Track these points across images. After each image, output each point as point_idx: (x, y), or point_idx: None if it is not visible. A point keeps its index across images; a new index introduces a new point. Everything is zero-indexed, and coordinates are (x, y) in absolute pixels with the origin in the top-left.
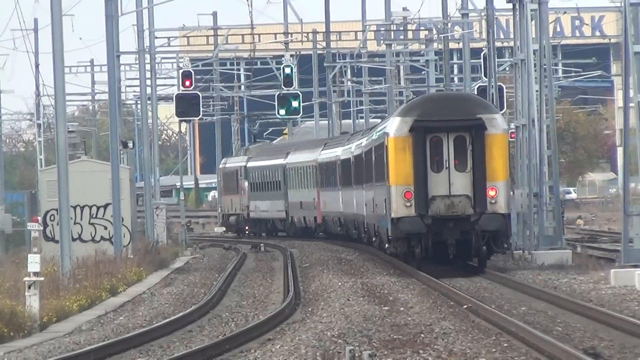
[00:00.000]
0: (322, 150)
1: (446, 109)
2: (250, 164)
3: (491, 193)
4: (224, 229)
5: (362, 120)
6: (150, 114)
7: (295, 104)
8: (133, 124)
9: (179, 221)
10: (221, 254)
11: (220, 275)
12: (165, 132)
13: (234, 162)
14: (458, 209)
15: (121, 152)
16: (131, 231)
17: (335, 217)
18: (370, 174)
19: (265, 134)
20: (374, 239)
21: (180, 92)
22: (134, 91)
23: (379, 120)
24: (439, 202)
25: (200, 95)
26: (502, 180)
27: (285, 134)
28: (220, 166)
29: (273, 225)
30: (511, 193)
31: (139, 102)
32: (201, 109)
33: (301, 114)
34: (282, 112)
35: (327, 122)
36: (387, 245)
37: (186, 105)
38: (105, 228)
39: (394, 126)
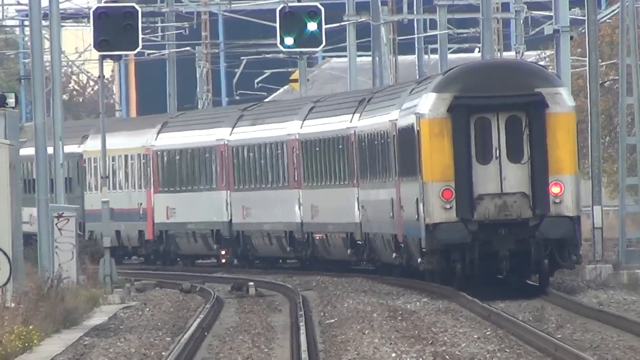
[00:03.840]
0: (160, 132)
1: (495, 81)
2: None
3: (555, 190)
4: None
5: (435, 56)
6: (47, 45)
7: (312, 26)
8: (17, 63)
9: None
10: (176, 300)
11: (175, 339)
12: (75, 77)
13: None
14: (512, 211)
15: None
16: (12, 259)
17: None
18: (385, 166)
19: (257, 80)
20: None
21: (103, 4)
22: (18, 2)
23: (467, 56)
24: (488, 203)
25: (140, 10)
26: (569, 174)
27: (294, 80)
28: None
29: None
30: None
31: (26, 23)
32: (140, 36)
33: (324, 45)
34: (289, 41)
35: (371, 59)
36: (419, 260)
37: (113, 30)
38: None
39: (427, 104)
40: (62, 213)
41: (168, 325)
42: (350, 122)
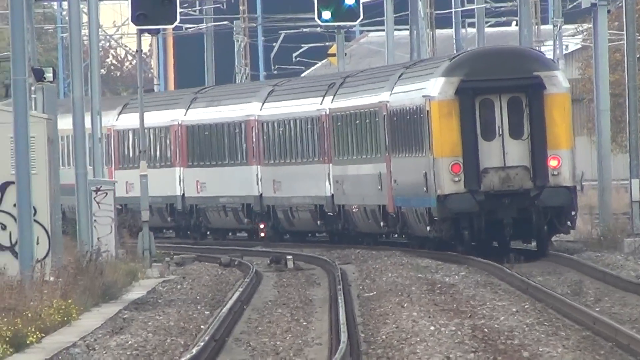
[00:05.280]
0: (121, 112)
1: (497, 66)
2: None
3: (553, 163)
4: None
5: (473, 30)
6: (85, 19)
7: (349, 0)
8: (55, 38)
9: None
10: (215, 274)
11: (213, 313)
12: (113, 51)
13: None
14: (515, 183)
15: (33, 88)
16: (50, 234)
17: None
18: (371, 143)
19: (295, 55)
20: (381, 224)
21: None
22: None
23: (504, 30)
24: (492, 176)
25: None
26: (565, 148)
27: (332, 54)
28: None
29: None
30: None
31: None
32: (178, 10)
33: (361, 19)
34: (327, 15)
35: (408, 33)
36: (428, 229)
37: (151, 4)
38: (4, 228)
39: (437, 88)
40: (101, 187)
41: (207, 299)
42: (321, 104)
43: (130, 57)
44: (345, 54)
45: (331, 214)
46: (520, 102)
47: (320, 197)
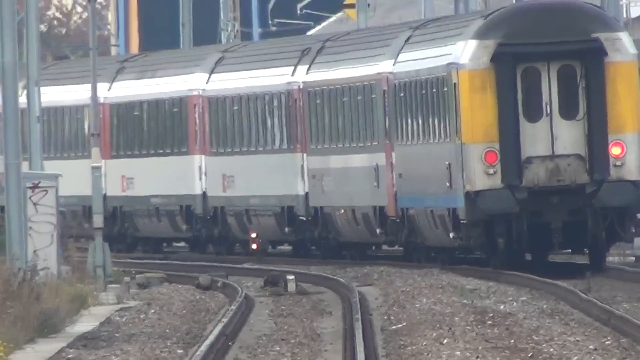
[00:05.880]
0: None
1: (545, 25)
2: None
3: (615, 151)
4: None
5: None
6: None
7: None
8: None
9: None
10: (191, 299)
11: (188, 351)
12: (57, 1)
13: None
14: (566, 176)
15: None
16: None
17: None
18: (365, 127)
19: (300, 6)
20: (378, 230)
21: None
22: None
23: None
24: (537, 167)
25: None
26: (631, 132)
27: (350, 5)
28: None
29: None
30: None
31: None
32: None
33: None
34: None
35: None
36: (451, 236)
37: None
38: None
39: (467, 53)
40: (39, 183)
41: (180, 333)
42: (293, 75)
43: (79, 10)
44: (369, 5)
45: (304, 218)
46: (574, 72)
47: (289, 197)
